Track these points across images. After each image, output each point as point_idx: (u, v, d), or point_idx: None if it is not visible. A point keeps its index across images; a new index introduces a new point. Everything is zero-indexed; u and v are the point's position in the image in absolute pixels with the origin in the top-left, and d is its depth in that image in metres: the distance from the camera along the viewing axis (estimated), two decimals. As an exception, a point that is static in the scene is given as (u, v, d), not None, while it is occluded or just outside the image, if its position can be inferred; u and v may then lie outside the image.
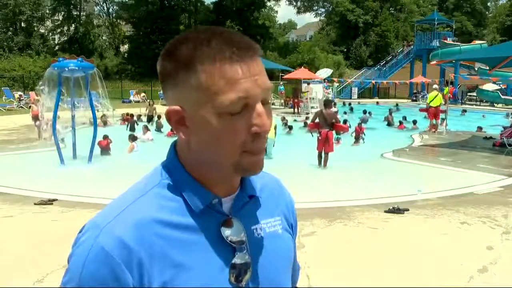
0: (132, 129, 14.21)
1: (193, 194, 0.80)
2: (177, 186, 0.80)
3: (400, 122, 16.76)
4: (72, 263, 0.75)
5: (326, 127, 9.03)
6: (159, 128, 14.45)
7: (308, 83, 21.98)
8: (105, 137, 10.59)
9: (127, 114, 16.60)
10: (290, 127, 14.93)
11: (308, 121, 15.32)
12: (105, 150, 10.46)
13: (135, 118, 15.90)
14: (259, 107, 0.74)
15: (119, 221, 0.75)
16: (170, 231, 0.76)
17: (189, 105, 0.75)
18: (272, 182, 0.97)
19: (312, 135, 9.67)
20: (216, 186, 0.81)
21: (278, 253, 0.88)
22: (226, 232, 0.79)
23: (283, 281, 0.89)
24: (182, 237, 0.77)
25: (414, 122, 16.45)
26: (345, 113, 18.96)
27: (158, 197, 0.79)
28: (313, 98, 21.16)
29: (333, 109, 10.03)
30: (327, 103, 9.59)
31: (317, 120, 9.29)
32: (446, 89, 27.94)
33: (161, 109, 21.26)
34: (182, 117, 0.77)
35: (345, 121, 12.24)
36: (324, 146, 9.06)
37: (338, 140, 11.90)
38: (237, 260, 0.79)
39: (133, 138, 11.18)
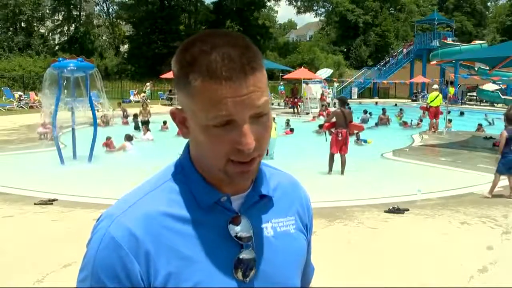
0: (137, 128, 14.31)
1: (201, 191, 0.82)
2: (187, 183, 0.83)
3: (405, 122, 16.82)
4: (88, 250, 0.81)
5: (345, 126, 8.57)
6: (162, 130, 14.50)
7: (307, 83, 21.97)
8: (108, 138, 10.98)
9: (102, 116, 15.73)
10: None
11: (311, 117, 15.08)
12: (110, 149, 10.84)
13: (132, 117, 15.99)
14: (245, 127, 0.74)
15: (130, 213, 0.79)
16: (178, 224, 0.80)
17: (186, 109, 0.79)
18: (287, 181, 0.98)
19: (326, 139, 9.18)
20: (223, 185, 0.83)
21: (288, 252, 0.89)
22: (235, 228, 0.81)
23: (291, 281, 0.89)
24: (190, 231, 0.80)
25: (418, 122, 16.55)
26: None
27: (169, 191, 0.83)
28: (314, 98, 21.16)
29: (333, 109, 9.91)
30: (345, 101, 9.19)
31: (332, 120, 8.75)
32: (452, 90, 27.97)
33: (160, 109, 21.28)
34: (184, 118, 0.80)
35: None
36: (342, 147, 8.55)
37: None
38: (244, 255, 0.81)
39: (128, 138, 11.20)
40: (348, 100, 28.99)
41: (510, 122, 6.73)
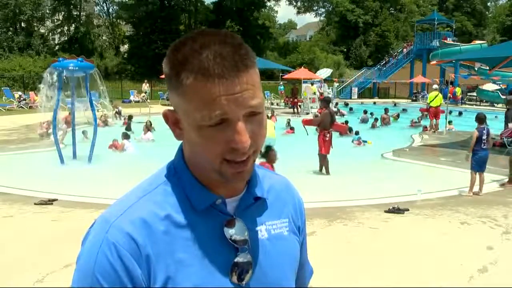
0: (128, 129, 14.15)
1: (196, 194, 0.82)
2: (181, 185, 0.82)
3: (414, 122, 16.84)
4: (84, 256, 0.78)
5: (330, 127, 8.65)
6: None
7: (312, 83, 21.98)
8: (114, 140, 11.05)
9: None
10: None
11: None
12: (117, 149, 10.90)
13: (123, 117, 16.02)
14: (239, 125, 0.73)
15: (127, 217, 0.78)
16: (174, 228, 0.79)
17: (179, 110, 0.78)
18: (281, 183, 0.97)
19: (307, 133, 9.29)
20: (218, 187, 0.82)
21: (282, 254, 0.89)
22: (229, 231, 0.81)
23: (286, 283, 0.89)
24: (185, 234, 0.79)
25: (419, 119, 16.63)
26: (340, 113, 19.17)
27: (163, 194, 0.82)
28: (317, 97, 21.18)
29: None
30: (330, 101, 9.28)
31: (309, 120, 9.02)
32: (459, 90, 27.89)
33: (160, 109, 21.28)
34: (177, 119, 0.80)
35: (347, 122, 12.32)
36: (328, 147, 8.58)
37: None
38: (239, 259, 0.81)
39: (125, 136, 11.20)
40: (349, 100, 29.09)
41: (481, 122, 7.18)
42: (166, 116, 0.81)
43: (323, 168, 8.74)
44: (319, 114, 16.07)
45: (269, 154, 5.59)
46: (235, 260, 0.80)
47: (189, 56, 0.73)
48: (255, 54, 0.79)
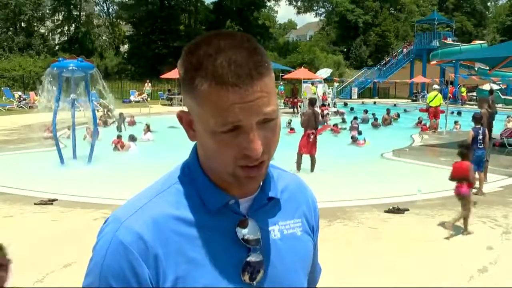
0: (119, 129, 13.98)
1: (209, 194, 0.82)
2: (194, 185, 0.83)
3: (417, 123, 16.91)
4: (94, 253, 0.80)
5: (315, 127, 8.70)
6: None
7: (312, 83, 21.97)
8: (119, 137, 11.20)
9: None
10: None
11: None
12: (120, 149, 10.92)
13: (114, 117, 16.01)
14: (252, 133, 0.73)
15: (138, 217, 0.79)
16: (186, 228, 0.79)
17: (193, 113, 0.78)
18: (295, 183, 0.97)
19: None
20: (231, 187, 0.82)
21: (294, 254, 0.89)
22: (242, 231, 0.81)
23: (298, 283, 0.89)
24: (197, 234, 0.79)
25: (420, 120, 16.68)
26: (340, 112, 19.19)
27: (176, 194, 0.82)
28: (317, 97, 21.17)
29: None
30: (314, 102, 9.37)
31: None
32: (464, 90, 27.80)
33: (160, 109, 21.28)
34: (191, 121, 0.80)
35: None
36: (312, 148, 8.65)
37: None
38: (251, 258, 0.81)
39: (132, 138, 11.22)
40: (349, 100, 29.01)
41: (477, 122, 7.23)
42: (180, 117, 0.82)
43: (300, 165, 8.75)
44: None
45: (468, 154, 5.29)
46: (247, 259, 0.80)
47: (204, 61, 0.73)
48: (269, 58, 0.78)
